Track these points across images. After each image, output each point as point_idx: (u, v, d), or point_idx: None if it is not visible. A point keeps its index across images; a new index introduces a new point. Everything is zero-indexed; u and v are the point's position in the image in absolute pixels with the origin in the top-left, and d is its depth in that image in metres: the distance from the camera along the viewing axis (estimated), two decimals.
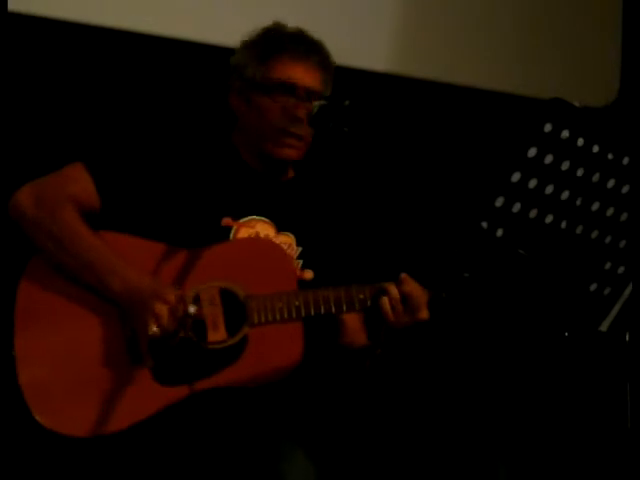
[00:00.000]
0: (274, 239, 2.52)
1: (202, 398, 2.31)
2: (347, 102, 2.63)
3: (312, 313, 2.39)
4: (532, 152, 2.09)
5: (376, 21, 3.32)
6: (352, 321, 2.52)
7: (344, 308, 2.42)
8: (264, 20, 2.61)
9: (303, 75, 2.53)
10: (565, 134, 2.10)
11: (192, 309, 2.30)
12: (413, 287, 2.41)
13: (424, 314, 2.41)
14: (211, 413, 2.31)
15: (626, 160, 2.18)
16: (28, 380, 2.27)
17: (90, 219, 2.41)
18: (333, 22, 2.67)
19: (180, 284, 2.34)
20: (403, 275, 2.42)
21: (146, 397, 2.28)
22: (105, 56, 2.92)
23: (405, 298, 2.40)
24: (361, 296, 2.42)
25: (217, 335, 2.33)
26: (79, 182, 2.41)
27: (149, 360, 2.29)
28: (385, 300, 2.40)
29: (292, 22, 2.66)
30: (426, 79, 3.40)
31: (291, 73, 2.53)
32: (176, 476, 2.27)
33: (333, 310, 2.41)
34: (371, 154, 2.77)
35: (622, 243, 2.23)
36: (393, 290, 2.40)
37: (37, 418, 2.25)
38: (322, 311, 2.40)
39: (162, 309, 2.27)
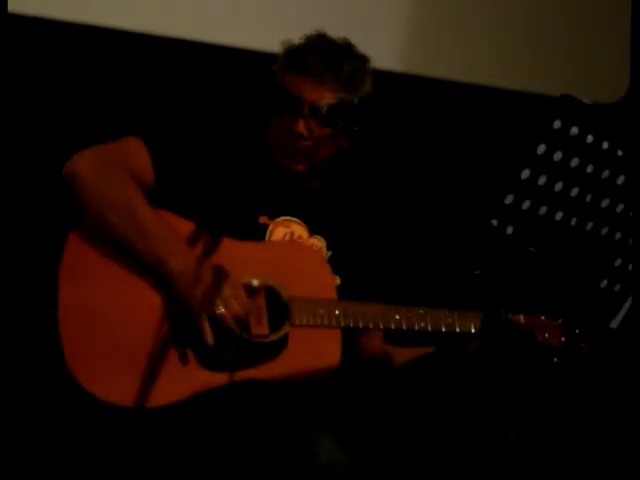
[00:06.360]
0: (306, 241, 2.56)
1: (234, 386, 2.33)
2: (356, 101, 2.65)
3: (351, 325, 2.41)
4: (541, 149, 2.08)
5: (386, 20, 3.33)
6: (375, 341, 2.57)
7: (392, 326, 2.44)
8: (277, 21, 2.62)
9: (311, 92, 2.52)
10: (574, 131, 2.09)
11: (255, 282, 2.35)
12: None
13: None
14: (241, 399, 2.32)
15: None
16: (68, 338, 2.25)
17: None
18: (342, 21, 2.68)
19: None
20: None
21: (188, 378, 2.29)
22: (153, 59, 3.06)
23: None
24: (422, 324, 2.46)
25: (260, 329, 2.35)
26: (137, 156, 2.43)
27: (210, 337, 2.28)
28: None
29: (302, 22, 2.67)
30: (436, 77, 3.40)
31: (299, 88, 2.52)
32: (205, 458, 2.27)
33: (371, 326, 2.43)
34: (381, 154, 2.77)
35: (632, 239, 2.23)
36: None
37: (73, 374, 2.23)
38: (360, 325, 2.42)
39: (230, 293, 2.29)
